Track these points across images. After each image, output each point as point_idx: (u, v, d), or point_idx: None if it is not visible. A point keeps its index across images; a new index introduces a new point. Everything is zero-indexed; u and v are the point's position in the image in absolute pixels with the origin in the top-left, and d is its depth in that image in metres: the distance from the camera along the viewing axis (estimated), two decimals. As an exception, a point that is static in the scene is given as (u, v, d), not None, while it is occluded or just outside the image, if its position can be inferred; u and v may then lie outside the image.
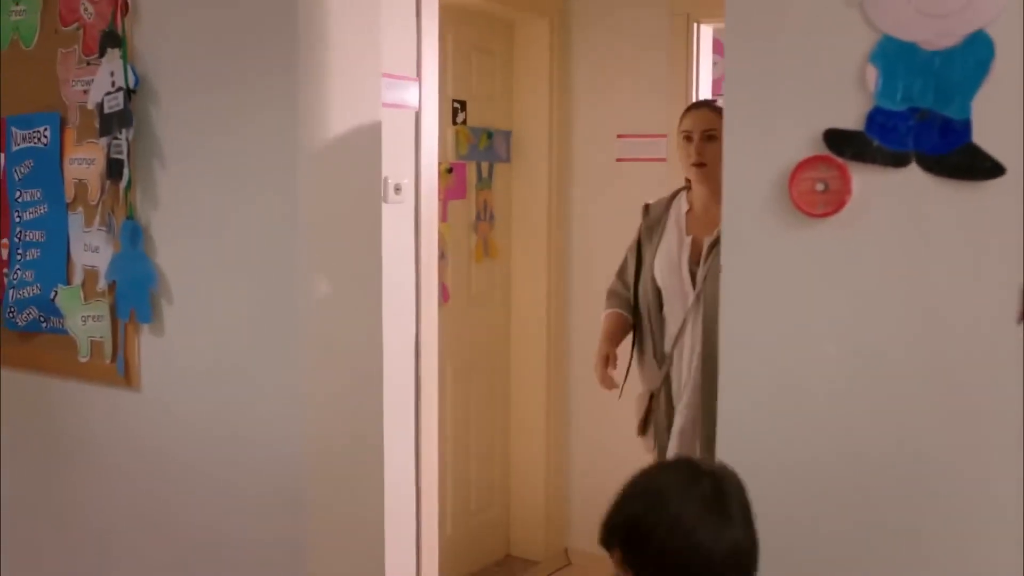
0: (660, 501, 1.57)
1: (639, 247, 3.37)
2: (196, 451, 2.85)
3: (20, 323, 3.14)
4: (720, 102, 3.12)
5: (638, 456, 3.20)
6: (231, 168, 2.69)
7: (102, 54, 2.82)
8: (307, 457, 2.67)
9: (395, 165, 3.39)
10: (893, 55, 1.82)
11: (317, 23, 2.57)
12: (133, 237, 2.81)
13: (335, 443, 2.75)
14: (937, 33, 1.78)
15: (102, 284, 2.91)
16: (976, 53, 1.75)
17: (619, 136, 4.25)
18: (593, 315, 3.57)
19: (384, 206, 3.18)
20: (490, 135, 4.27)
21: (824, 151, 1.88)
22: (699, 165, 3.19)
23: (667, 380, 3.24)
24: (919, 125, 1.80)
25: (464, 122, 4.14)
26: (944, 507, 1.85)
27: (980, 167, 1.76)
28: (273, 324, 2.66)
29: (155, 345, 2.87)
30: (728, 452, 2.03)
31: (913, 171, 1.81)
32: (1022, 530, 1.78)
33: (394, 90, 3.33)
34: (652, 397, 3.28)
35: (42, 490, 3.26)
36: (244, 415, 2.75)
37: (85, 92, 2.89)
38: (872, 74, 1.84)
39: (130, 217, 2.81)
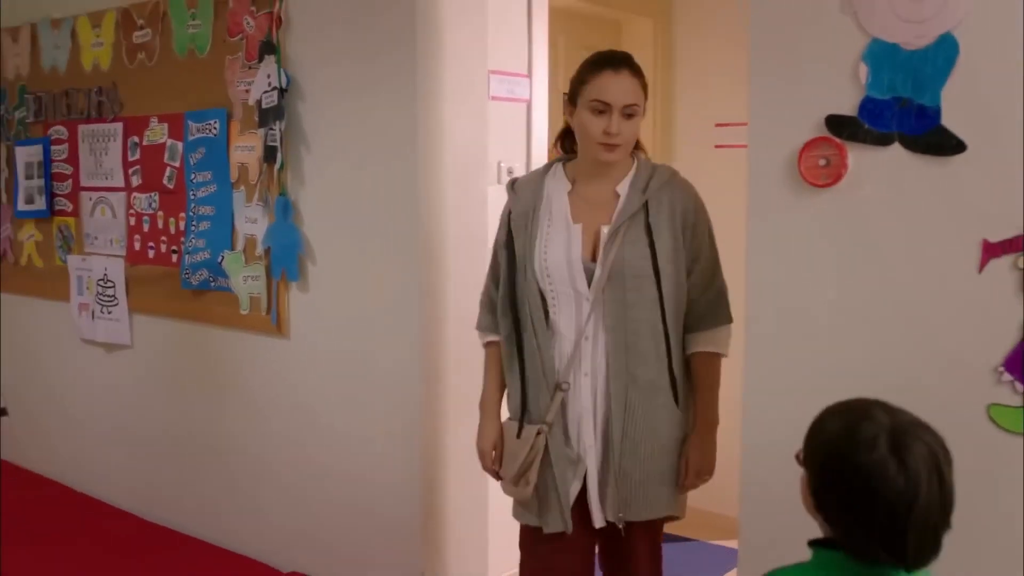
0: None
1: (509, 238, 2.59)
2: (334, 389, 3.39)
3: (194, 283, 3.76)
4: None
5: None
6: (363, 153, 3.22)
7: (261, 59, 3.39)
8: (422, 396, 3.16)
9: (508, 151, 3.74)
10: (880, 54, 2.20)
11: (433, 33, 3.07)
12: (285, 210, 3.37)
13: (444, 388, 3.21)
14: (915, 35, 2.16)
15: (259, 249, 3.49)
16: (945, 52, 2.13)
17: (717, 125, 4.59)
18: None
19: (497, 187, 3.62)
20: (599, 125, 4.66)
21: (826, 133, 2.28)
22: (611, 147, 2.49)
23: (563, 409, 2.49)
24: (900, 111, 2.19)
25: (575, 113, 4.55)
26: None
27: (948, 145, 2.13)
28: (396, 284, 3.17)
29: (301, 300, 3.43)
30: (755, 376, 2.45)
31: (896, 149, 2.20)
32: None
33: (506, 85, 3.73)
34: (538, 433, 2.47)
35: (208, 421, 3.86)
36: (372, 360, 3.27)
37: (247, 91, 3.47)
38: (864, 70, 2.22)
39: (282, 194, 3.38)
